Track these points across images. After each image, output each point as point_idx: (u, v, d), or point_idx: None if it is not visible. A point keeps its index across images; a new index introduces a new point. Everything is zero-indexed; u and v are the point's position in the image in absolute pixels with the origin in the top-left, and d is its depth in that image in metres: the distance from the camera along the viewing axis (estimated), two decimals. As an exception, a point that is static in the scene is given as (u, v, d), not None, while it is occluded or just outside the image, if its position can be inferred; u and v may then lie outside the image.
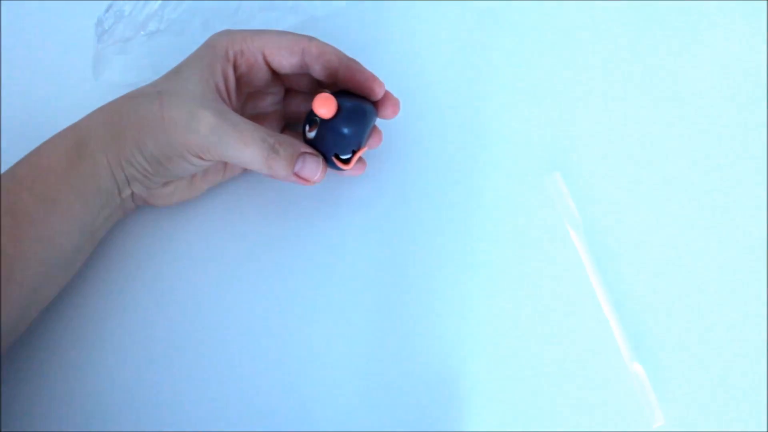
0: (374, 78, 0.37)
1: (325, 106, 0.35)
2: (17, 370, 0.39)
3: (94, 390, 0.39)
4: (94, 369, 0.39)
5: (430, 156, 0.43)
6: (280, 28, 0.39)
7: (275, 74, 0.39)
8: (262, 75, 0.39)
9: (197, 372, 0.39)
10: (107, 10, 0.40)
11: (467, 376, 0.39)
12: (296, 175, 0.36)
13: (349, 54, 0.38)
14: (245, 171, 0.42)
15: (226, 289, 0.40)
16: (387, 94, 0.38)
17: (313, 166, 0.36)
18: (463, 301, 0.40)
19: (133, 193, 0.38)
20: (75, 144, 0.36)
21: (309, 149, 0.36)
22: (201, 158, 0.36)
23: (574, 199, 0.41)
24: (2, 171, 0.36)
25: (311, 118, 0.37)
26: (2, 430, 0.37)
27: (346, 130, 0.36)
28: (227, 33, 0.37)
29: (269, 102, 0.41)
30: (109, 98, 0.37)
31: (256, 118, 0.40)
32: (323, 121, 0.36)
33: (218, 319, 0.40)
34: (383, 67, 0.39)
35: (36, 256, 0.35)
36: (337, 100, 0.35)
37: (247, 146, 0.35)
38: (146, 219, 0.41)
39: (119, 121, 0.36)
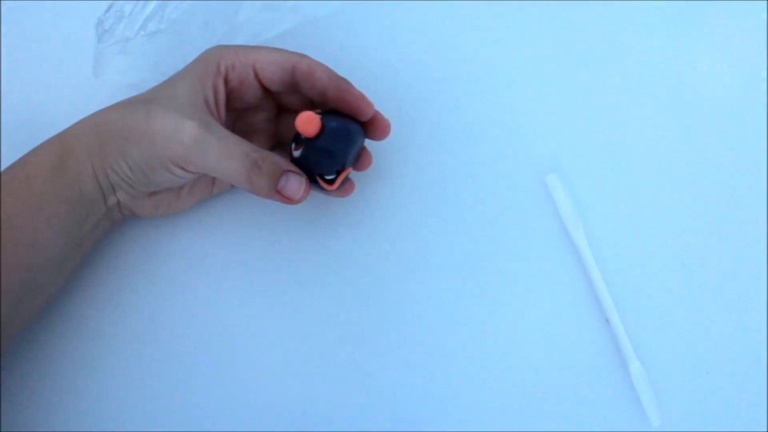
0: (363, 98, 0.37)
1: (307, 124, 0.34)
2: (16, 370, 0.39)
3: (89, 394, 0.39)
4: (90, 374, 0.39)
5: (428, 158, 0.43)
6: (280, 29, 0.39)
7: (267, 91, 0.39)
8: (253, 90, 0.38)
9: (192, 379, 0.39)
10: (107, 10, 0.40)
11: (467, 376, 0.39)
12: (278, 192, 0.35)
13: (350, 54, 0.38)
14: (234, 188, 0.42)
15: (217, 301, 0.40)
16: (377, 115, 0.37)
17: (295, 185, 0.35)
18: (463, 304, 0.40)
19: (119, 202, 0.38)
20: (61, 150, 0.36)
21: (293, 167, 0.36)
22: (184, 169, 0.35)
23: (573, 201, 0.41)
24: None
25: (298, 137, 0.36)
26: (2, 430, 0.38)
27: (330, 150, 0.36)
28: (220, 47, 0.37)
29: (261, 119, 0.41)
30: (110, 98, 0.37)
31: (248, 134, 0.40)
32: (308, 140, 0.35)
33: (209, 329, 0.40)
34: (382, 67, 0.39)
35: (21, 263, 0.35)
36: (322, 119, 0.35)
37: (229, 159, 0.34)
38: (136, 230, 0.41)
39: (106, 129, 0.36)
